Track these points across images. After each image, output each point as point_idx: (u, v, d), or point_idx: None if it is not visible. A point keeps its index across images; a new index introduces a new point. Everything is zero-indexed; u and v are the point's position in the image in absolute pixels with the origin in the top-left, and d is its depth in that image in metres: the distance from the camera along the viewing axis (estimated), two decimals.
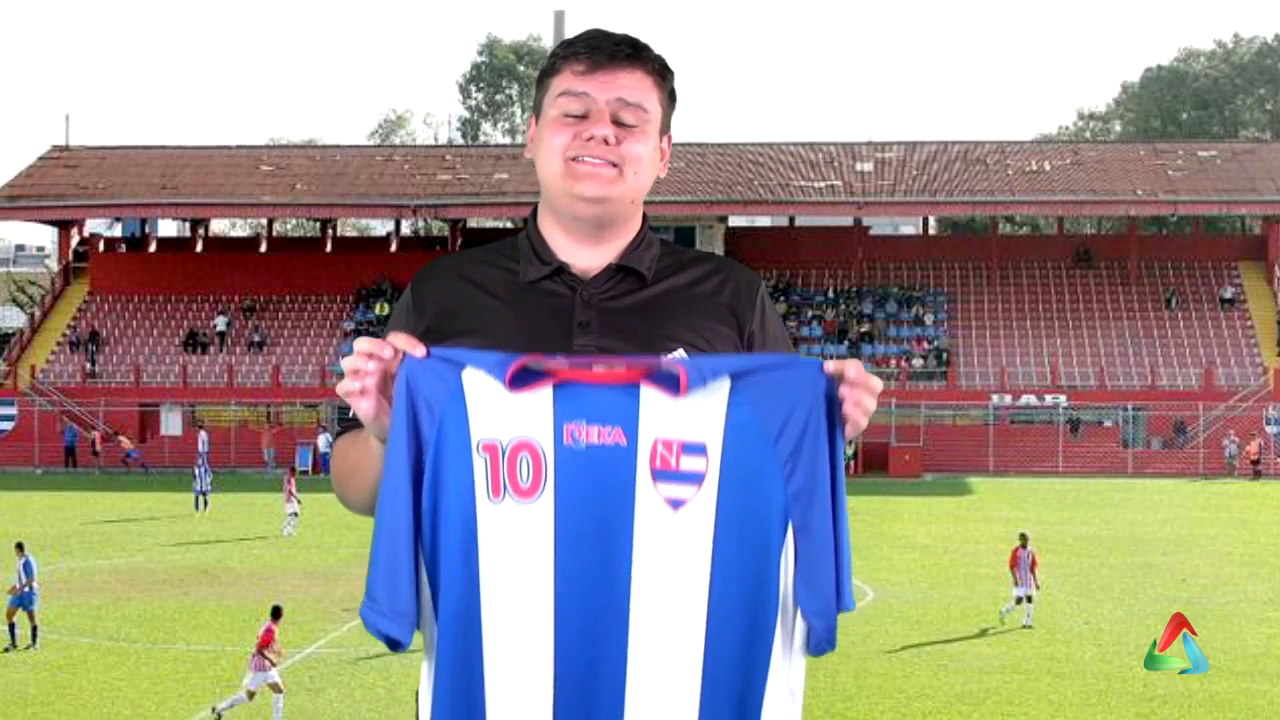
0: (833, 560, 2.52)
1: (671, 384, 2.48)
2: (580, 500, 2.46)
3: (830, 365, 2.55)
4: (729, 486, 2.48)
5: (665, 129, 2.84)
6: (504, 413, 2.49)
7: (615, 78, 2.73)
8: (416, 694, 2.90)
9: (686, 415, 2.48)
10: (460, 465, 2.51)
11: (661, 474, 2.47)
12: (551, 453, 2.47)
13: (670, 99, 2.83)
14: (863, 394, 2.56)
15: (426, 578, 2.55)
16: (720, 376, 2.50)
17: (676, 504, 2.47)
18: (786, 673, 2.54)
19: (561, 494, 2.47)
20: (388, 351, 2.55)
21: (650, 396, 2.48)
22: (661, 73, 2.80)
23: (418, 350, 2.55)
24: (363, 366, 2.55)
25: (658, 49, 2.85)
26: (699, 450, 2.48)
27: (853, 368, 2.55)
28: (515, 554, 2.48)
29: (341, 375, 2.61)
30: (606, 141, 2.71)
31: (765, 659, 2.50)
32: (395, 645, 2.55)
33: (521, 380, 2.49)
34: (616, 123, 2.73)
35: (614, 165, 2.73)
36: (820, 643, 2.54)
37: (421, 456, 2.53)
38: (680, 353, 2.69)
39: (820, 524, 2.51)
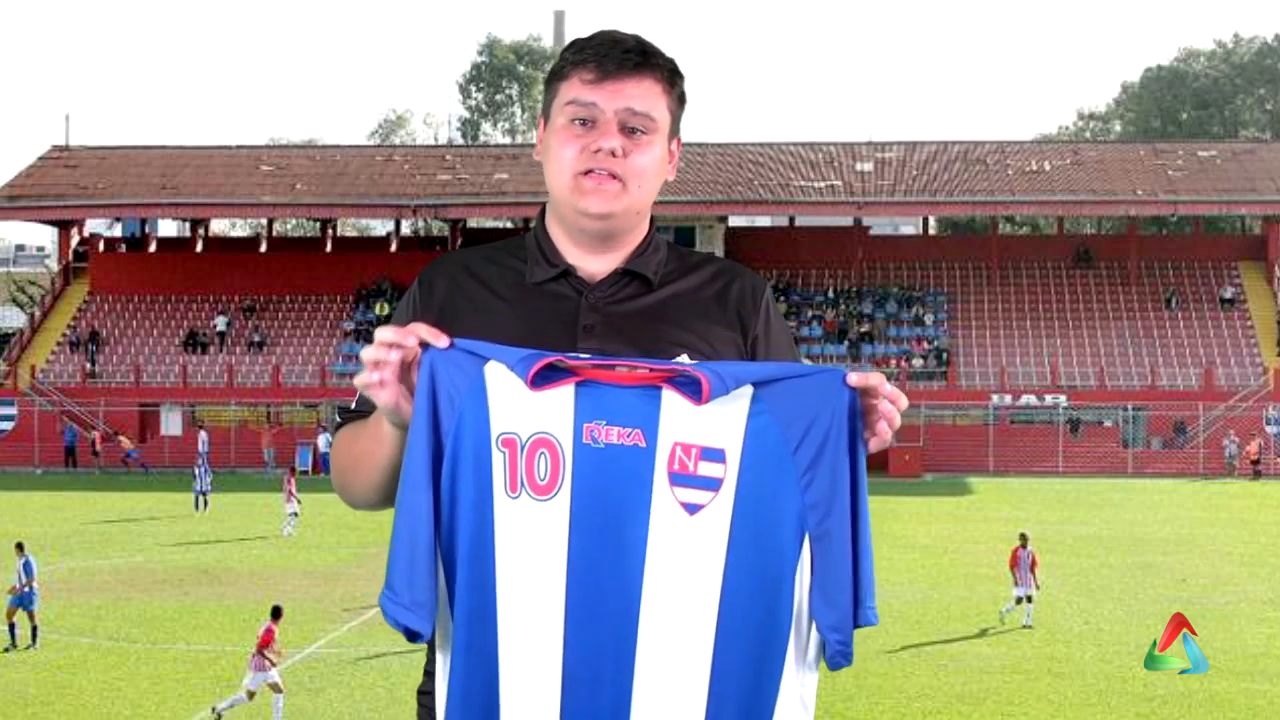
0: (850, 574, 2.51)
1: (694, 390, 2.47)
2: (596, 500, 2.47)
3: (854, 378, 2.53)
4: (746, 494, 2.47)
5: (674, 133, 2.83)
6: (525, 408, 2.49)
7: (624, 87, 2.72)
8: (417, 692, 2.90)
9: (707, 421, 2.47)
10: (479, 459, 2.51)
11: (679, 478, 2.47)
12: (570, 451, 2.47)
13: (680, 102, 2.81)
14: (892, 408, 2.55)
15: (443, 571, 2.55)
16: (742, 384, 2.49)
17: (693, 509, 2.46)
18: (799, 684, 2.53)
19: (578, 492, 2.47)
20: (411, 340, 2.54)
21: (671, 400, 2.47)
22: (671, 78, 2.78)
23: (441, 341, 2.54)
24: (384, 358, 2.54)
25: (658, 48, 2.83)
26: (718, 456, 2.47)
27: (881, 381, 2.54)
28: (530, 549, 2.48)
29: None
30: (614, 154, 2.71)
31: (778, 669, 2.49)
32: (414, 636, 2.56)
33: (544, 379, 2.48)
34: (624, 131, 2.72)
35: (619, 179, 2.72)
36: (836, 657, 2.53)
37: (441, 448, 2.53)
38: (684, 359, 2.67)
39: (839, 536, 2.50)
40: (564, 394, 2.48)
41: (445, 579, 2.55)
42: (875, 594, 2.54)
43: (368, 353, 2.56)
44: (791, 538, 2.49)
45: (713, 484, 2.47)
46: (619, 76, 2.71)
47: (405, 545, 2.53)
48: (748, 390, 2.49)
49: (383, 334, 2.55)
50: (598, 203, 2.73)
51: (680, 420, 2.47)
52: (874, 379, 2.53)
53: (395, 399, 2.56)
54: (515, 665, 2.48)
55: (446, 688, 2.56)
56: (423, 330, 2.55)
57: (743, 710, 2.48)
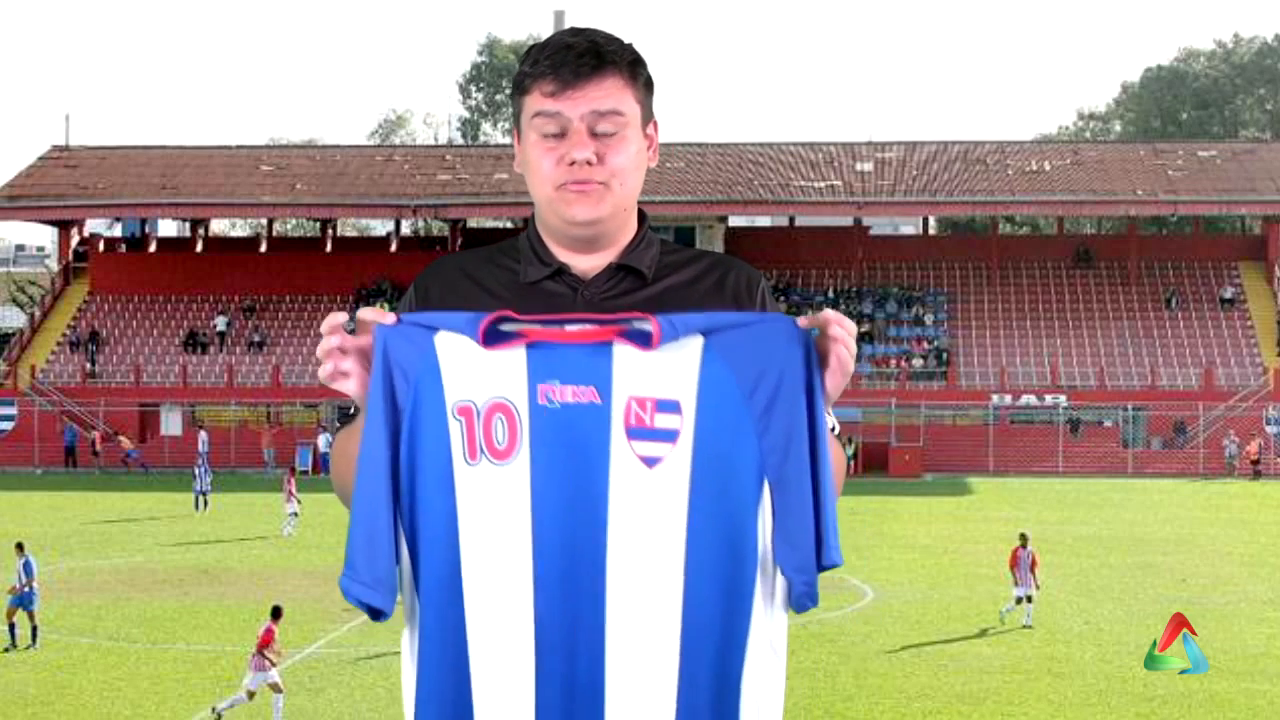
0: (812, 516, 2.51)
1: (643, 339, 2.49)
2: (556, 459, 2.48)
3: (804, 319, 2.56)
4: (703, 443, 2.48)
5: (648, 119, 2.82)
6: (478, 375, 2.51)
7: (585, 92, 2.71)
8: None
9: (660, 373, 2.49)
10: (436, 429, 2.52)
11: (636, 431, 2.48)
12: (526, 413, 2.49)
13: (647, 88, 2.80)
14: (844, 332, 2.56)
15: (406, 545, 2.56)
16: (692, 332, 2.51)
17: (651, 461, 2.48)
18: (768, 627, 2.54)
19: (537, 454, 2.48)
20: (342, 319, 2.59)
21: (623, 354, 2.49)
22: (632, 69, 2.76)
23: (388, 318, 2.58)
24: (329, 346, 2.60)
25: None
26: (673, 407, 2.49)
27: (829, 314, 2.56)
28: (493, 515, 2.49)
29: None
30: (589, 162, 2.71)
31: (746, 614, 2.51)
32: (376, 614, 2.56)
33: (494, 337, 2.50)
34: (595, 134, 2.72)
35: (602, 183, 2.73)
36: (801, 598, 2.54)
37: (399, 423, 2.55)
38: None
39: (798, 480, 2.51)
40: (516, 356, 2.50)
41: (409, 553, 2.56)
42: (838, 534, 2.54)
43: (320, 346, 2.61)
44: (751, 484, 2.50)
45: (670, 435, 2.48)
46: (577, 83, 2.70)
47: (364, 523, 2.54)
48: (698, 340, 2.51)
49: (325, 325, 2.61)
50: (584, 210, 2.74)
51: (634, 374, 2.49)
52: (829, 314, 2.55)
53: (360, 388, 2.60)
54: (485, 631, 2.49)
55: (416, 660, 2.57)
56: (367, 313, 2.59)
57: (716, 659, 2.49)
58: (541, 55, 2.74)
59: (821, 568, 2.54)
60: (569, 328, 2.51)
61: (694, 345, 2.51)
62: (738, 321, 2.54)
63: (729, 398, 2.50)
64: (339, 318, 2.61)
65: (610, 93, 2.73)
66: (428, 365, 2.54)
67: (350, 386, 2.61)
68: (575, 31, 2.76)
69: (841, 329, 2.55)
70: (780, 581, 2.54)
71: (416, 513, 2.54)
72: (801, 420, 2.52)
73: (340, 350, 2.61)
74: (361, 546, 2.54)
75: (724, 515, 2.49)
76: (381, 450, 2.54)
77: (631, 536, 2.47)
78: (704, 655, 2.48)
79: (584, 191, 2.72)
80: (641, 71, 2.79)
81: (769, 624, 2.54)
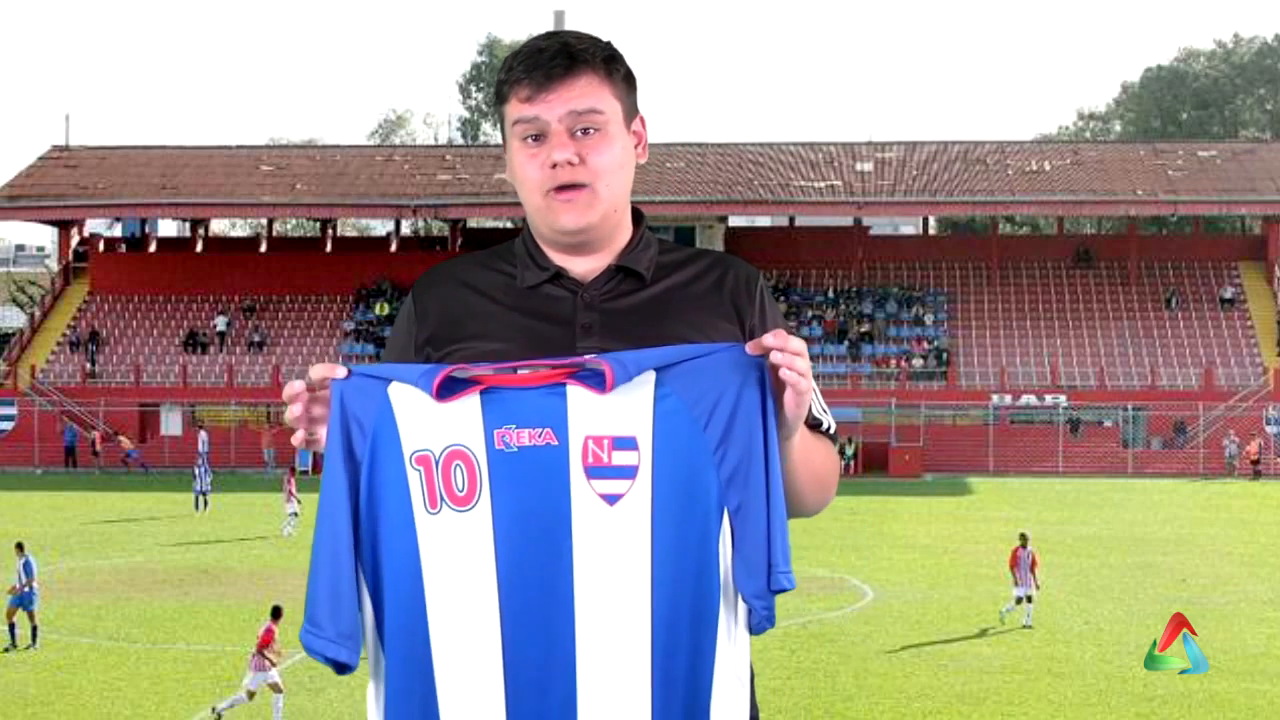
0: (765, 543, 2.51)
1: (597, 381, 2.49)
2: (517, 503, 2.48)
3: (750, 345, 2.55)
4: (662, 477, 2.49)
5: (632, 114, 2.80)
6: (434, 423, 2.51)
7: (559, 93, 2.70)
8: None
9: (615, 410, 2.50)
10: (395, 480, 2.53)
11: (595, 470, 2.49)
12: (485, 459, 2.49)
13: (627, 83, 2.78)
14: (788, 356, 2.53)
15: (369, 596, 2.55)
16: (644, 369, 2.51)
17: (612, 499, 2.48)
18: (732, 655, 2.55)
19: (498, 499, 2.49)
20: (300, 387, 2.61)
21: (577, 395, 2.50)
22: (607, 66, 2.75)
23: (339, 371, 2.59)
24: (296, 413, 2.64)
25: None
26: (629, 444, 2.49)
27: (770, 336, 2.54)
28: (457, 563, 2.49)
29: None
30: (571, 163, 2.70)
31: (711, 645, 2.51)
32: (342, 669, 2.55)
33: (448, 390, 2.50)
34: (575, 134, 2.71)
35: (586, 186, 2.72)
36: (761, 622, 2.55)
37: (358, 475, 2.55)
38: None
39: (755, 506, 2.52)
40: (470, 404, 2.50)
41: (372, 604, 2.55)
42: (789, 558, 2.54)
43: (286, 416, 2.66)
44: (712, 514, 2.51)
45: (628, 472, 2.49)
46: (550, 85, 2.70)
47: (327, 578, 2.54)
48: (650, 375, 2.51)
49: (286, 393, 2.64)
50: (572, 218, 2.73)
51: (589, 413, 2.49)
52: (768, 339, 2.53)
53: (304, 439, 2.66)
54: (454, 679, 2.49)
55: (383, 713, 2.56)
56: (316, 370, 2.61)
57: (687, 691, 2.49)
58: (515, 62, 2.73)
59: (770, 591, 2.53)
60: (521, 371, 2.52)
61: (647, 381, 2.51)
62: (688, 354, 2.55)
63: (684, 431, 2.50)
64: (298, 385, 2.63)
65: (586, 92, 2.71)
66: (383, 416, 2.54)
67: (299, 436, 2.67)
68: (548, 35, 2.76)
69: (785, 353, 2.52)
70: (741, 609, 2.55)
71: (380, 563, 2.54)
72: (758, 446, 2.52)
73: (306, 414, 2.63)
74: (324, 601, 2.53)
75: (687, 547, 2.49)
76: (341, 502, 2.54)
77: (598, 574, 2.47)
78: (676, 688, 2.48)
79: (571, 200, 2.71)
80: (618, 68, 2.77)
81: (732, 650, 2.55)
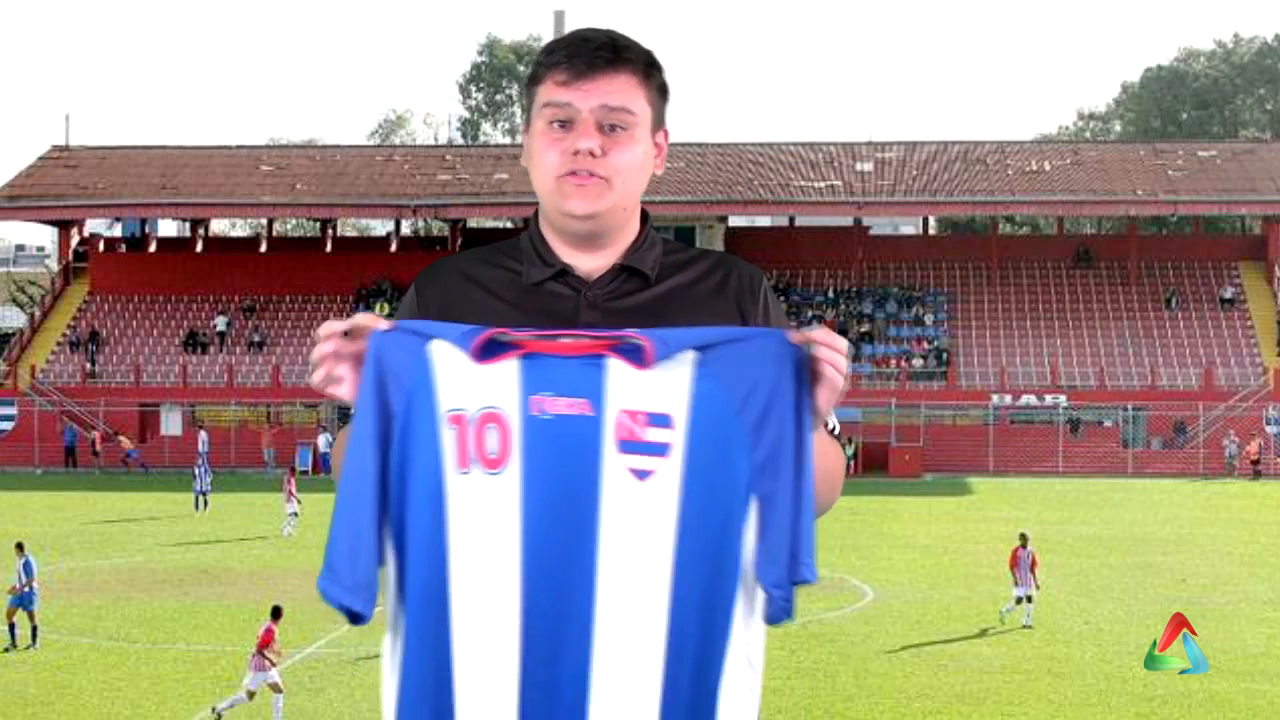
0: (790, 533, 2.51)
1: (637, 356, 2.50)
2: (547, 470, 2.48)
3: (795, 334, 2.55)
4: (694, 458, 2.49)
5: (658, 125, 2.81)
6: (471, 384, 2.52)
7: (598, 84, 2.70)
8: None
9: (652, 387, 2.50)
10: (428, 437, 2.53)
11: (627, 445, 2.49)
12: (519, 423, 2.49)
13: (661, 94, 2.80)
14: (831, 352, 2.55)
15: (393, 551, 2.56)
16: (685, 349, 2.51)
17: (642, 475, 2.49)
18: (746, 641, 2.55)
19: (529, 464, 2.49)
20: (339, 327, 2.59)
21: (616, 368, 2.50)
22: (647, 70, 2.76)
23: (382, 324, 2.59)
24: (324, 352, 2.60)
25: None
26: (665, 422, 2.49)
27: (820, 332, 2.55)
28: (483, 524, 2.49)
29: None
30: (593, 154, 2.70)
31: (725, 629, 2.51)
32: (356, 618, 2.56)
33: (488, 352, 2.51)
34: (602, 129, 2.71)
35: (603, 178, 2.72)
36: (778, 613, 2.55)
37: (389, 429, 2.55)
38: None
39: (784, 496, 2.51)
40: (509, 367, 2.51)
41: (395, 559, 2.56)
42: (814, 552, 2.54)
43: (315, 351, 2.62)
44: (740, 499, 2.51)
45: (661, 449, 2.49)
46: (591, 75, 2.70)
47: (348, 526, 2.54)
48: (691, 355, 2.51)
49: (321, 330, 2.61)
50: (582, 204, 2.73)
51: (626, 387, 2.50)
52: (816, 334, 2.54)
53: (355, 392, 2.61)
54: (470, 638, 2.49)
55: (399, 667, 2.57)
56: (362, 318, 2.60)
57: (695, 671, 2.49)
58: (558, 46, 2.74)
59: (793, 582, 2.53)
60: (563, 340, 2.52)
61: (686, 360, 2.51)
62: (730, 337, 2.55)
63: (720, 413, 2.50)
64: (335, 325, 2.62)
65: (623, 89, 2.72)
66: (421, 372, 2.54)
67: (344, 391, 2.62)
68: (594, 29, 2.77)
69: (829, 349, 2.54)
70: (760, 596, 2.55)
71: (405, 518, 2.54)
72: (791, 436, 2.52)
73: (335, 355, 2.61)
74: (343, 549, 2.54)
75: (712, 529, 2.50)
76: (369, 454, 2.54)
77: (621, 548, 2.47)
78: (685, 667, 2.49)
79: (584, 186, 2.72)
80: (656, 75, 2.78)
81: (747, 637, 2.55)
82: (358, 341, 2.61)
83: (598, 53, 2.71)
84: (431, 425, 2.53)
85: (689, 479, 2.49)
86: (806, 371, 2.55)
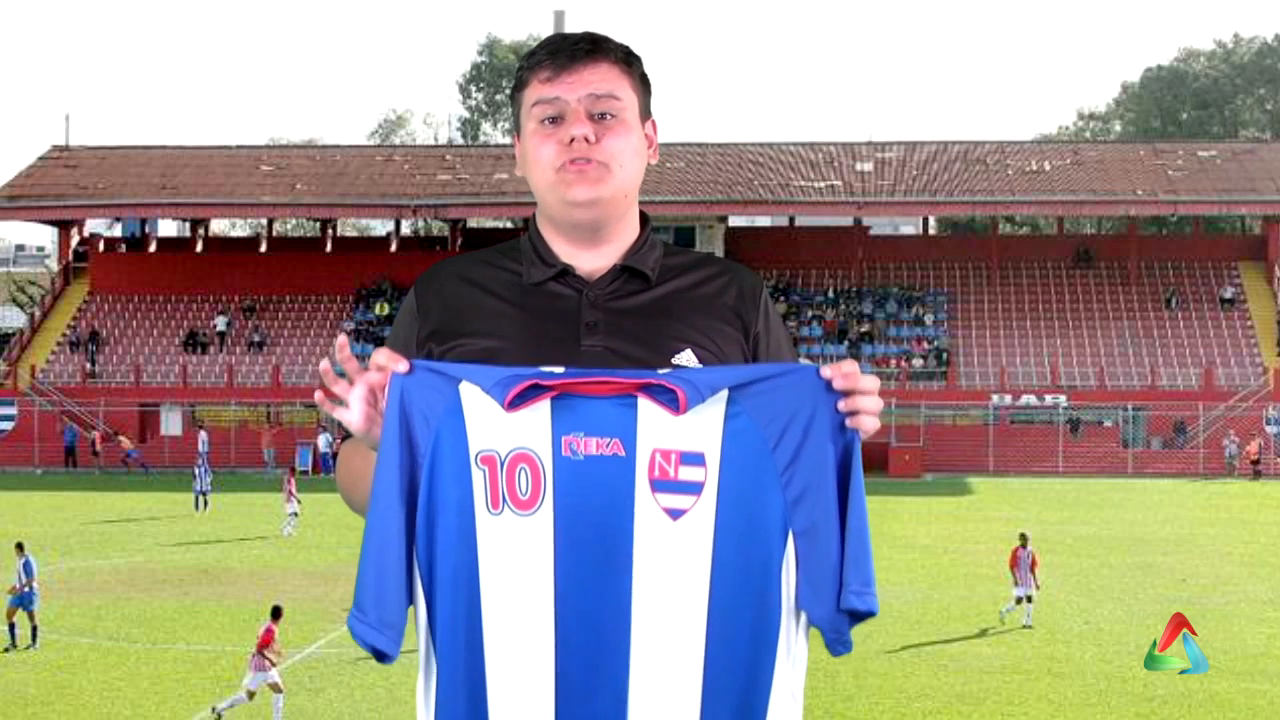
0: (838, 565, 2.51)
1: (670, 402, 2.48)
2: (579, 511, 2.47)
3: (826, 370, 2.56)
4: (728, 495, 2.48)
5: (646, 114, 2.85)
6: (502, 424, 2.50)
7: (582, 75, 2.75)
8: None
9: (684, 426, 2.49)
10: (459, 477, 2.52)
11: (660, 484, 2.48)
12: (550, 464, 2.48)
13: (643, 84, 2.84)
14: (859, 397, 2.57)
15: (423, 591, 2.55)
16: (717, 390, 2.50)
17: (676, 514, 2.48)
18: (790, 676, 2.55)
19: (561, 505, 2.47)
20: (346, 343, 2.62)
21: (648, 409, 2.49)
22: (627, 60, 2.81)
23: (401, 365, 2.57)
24: (346, 385, 2.62)
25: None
26: (697, 460, 2.48)
27: (841, 375, 2.56)
28: (515, 566, 2.48)
29: (341, 375, 2.63)
30: (587, 140, 2.72)
31: (770, 664, 2.51)
32: (382, 657, 2.57)
33: (519, 400, 2.49)
34: (593, 118, 2.74)
35: (601, 163, 2.74)
36: (834, 644, 2.56)
37: (415, 469, 2.54)
38: (689, 354, 2.71)
39: (825, 530, 2.51)
40: (540, 408, 2.49)
41: (425, 601, 2.55)
42: (869, 579, 2.53)
43: (338, 388, 2.63)
44: (776, 535, 2.50)
45: (694, 488, 2.48)
46: (574, 67, 2.75)
47: (374, 566, 2.54)
48: (723, 394, 2.51)
49: (338, 347, 2.63)
50: (584, 190, 2.75)
51: (658, 427, 2.48)
52: (845, 368, 2.56)
53: (366, 424, 2.61)
54: (505, 681, 2.48)
55: (433, 708, 2.56)
56: (381, 356, 2.60)
57: (737, 707, 2.49)
58: (537, 50, 2.80)
59: (855, 613, 2.53)
60: (594, 381, 2.51)
61: (719, 400, 2.50)
62: (762, 375, 2.54)
63: (753, 450, 2.50)
64: (345, 341, 2.64)
65: (607, 77, 2.76)
66: (451, 412, 2.53)
67: (350, 417, 2.62)
68: (569, 32, 2.83)
69: (862, 395, 2.58)
70: (802, 632, 2.55)
71: (435, 559, 2.53)
72: (830, 470, 2.53)
73: (347, 379, 2.62)
74: (371, 588, 2.55)
75: (748, 567, 2.49)
76: (394, 494, 2.54)
77: (656, 588, 2.47)
78: (726, 706, 2.48)
79: (584, 171, 2.73)
80: (637, 65, 2.83)
81: (790, 672, 2.55)
82: (372, 373, 2.60)
83: (577, 46, 2.76)
84: (462, 465, 2.51)
85: (722, 517, 2.48)
86: (840, 402, 2.55)
